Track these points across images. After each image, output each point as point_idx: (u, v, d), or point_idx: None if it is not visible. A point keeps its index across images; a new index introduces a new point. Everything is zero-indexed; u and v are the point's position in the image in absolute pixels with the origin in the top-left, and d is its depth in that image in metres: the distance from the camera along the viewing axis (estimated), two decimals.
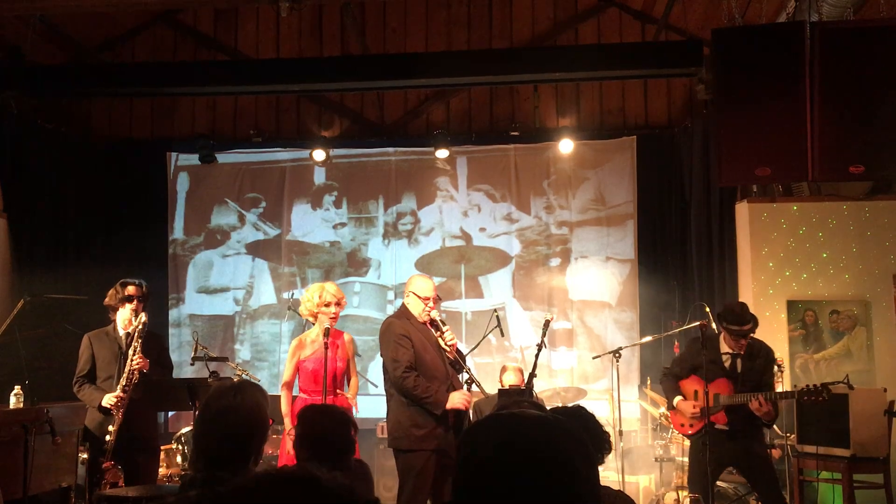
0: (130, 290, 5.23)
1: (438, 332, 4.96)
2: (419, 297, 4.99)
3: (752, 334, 5.01)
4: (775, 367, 5.87)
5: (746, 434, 4.99)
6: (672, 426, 5.51)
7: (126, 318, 5.20)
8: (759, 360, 5.05)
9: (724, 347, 5.06)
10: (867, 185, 6.87)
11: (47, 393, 5.83)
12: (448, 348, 4.96)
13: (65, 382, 5.37)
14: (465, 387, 4.95)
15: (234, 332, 8.42)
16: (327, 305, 5.26)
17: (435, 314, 4.99)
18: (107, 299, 5.31)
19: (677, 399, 5.13)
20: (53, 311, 6.70)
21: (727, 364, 5.03)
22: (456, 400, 4.80)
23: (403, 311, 5.07)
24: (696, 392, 5.05)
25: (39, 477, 5.11)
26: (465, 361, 5.18)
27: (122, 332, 5.23)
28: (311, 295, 5.33)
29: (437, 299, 5.07)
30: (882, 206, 6.87)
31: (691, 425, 5.09)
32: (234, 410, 2.48)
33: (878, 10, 4.94)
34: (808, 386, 4.93)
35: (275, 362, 8.25)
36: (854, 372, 6.29)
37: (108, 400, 4.99)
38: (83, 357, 5.26)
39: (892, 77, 4.54)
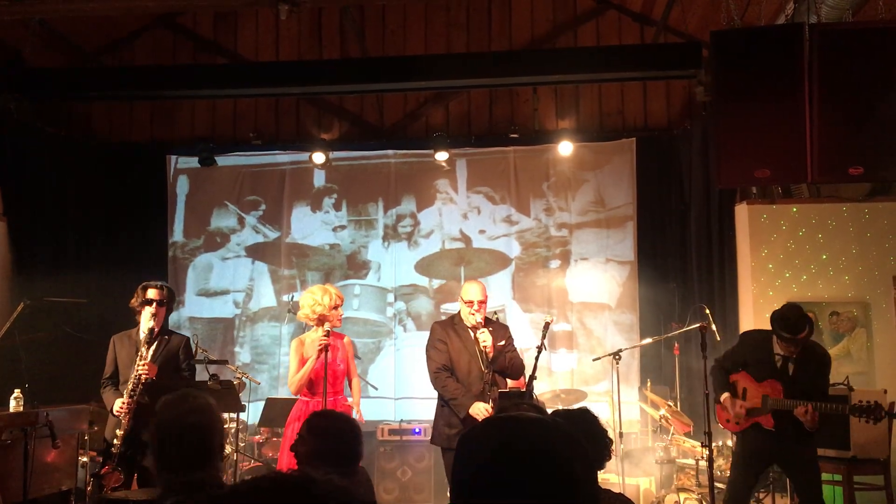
0: (151, 293, 5.19)
1: (475, 336, 5.10)
2: (462, 300, 5.22)
3: (809, 339, 4.77)
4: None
5: (793, 436, 4.77)
6: (718, 420, 5.21)
7: (147, 322, 5.16)
8: (812, 365, 4.81)
9: (777, 348, 4.84)
10: (866, 186, 6.87)
11: (47, 396, 5.83)
12: (481, 349, 5.08)
13: (65, 385, 5.37)
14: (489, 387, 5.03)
15: (233, 334, 8.41)
16: (335, 308, 5.27)
17: (479, 318, 5.10)
18: (132, 300, 5.27)
19: (724, 395, 4.96)
20: (53, 314, 6.71)
21: (778, 365, 4.83)
22: (474, 410, 4.93)
23: (454, 316, 5.34)
24: (744, 390, 4.90)
25: (39, 480, 5.11)
26: (511, 362, 5.28)
27: (142, 336, 5.21)
28: (318, 298, 5.24)
29: (482, 303, 5.15)
30: (881, 208, 6.88)
31: (737, 423, 4.95)
32: (191, 414, 2.68)
33: (876, 12, 4.93)
34: (860, 403, 4.60)
35: (275, 365, 8.25)
36: (854, 373, 6.30)
37: (116, 406, 4.99)
38: (108, 359, 5.24)
39: (891, 78, 4.54)
